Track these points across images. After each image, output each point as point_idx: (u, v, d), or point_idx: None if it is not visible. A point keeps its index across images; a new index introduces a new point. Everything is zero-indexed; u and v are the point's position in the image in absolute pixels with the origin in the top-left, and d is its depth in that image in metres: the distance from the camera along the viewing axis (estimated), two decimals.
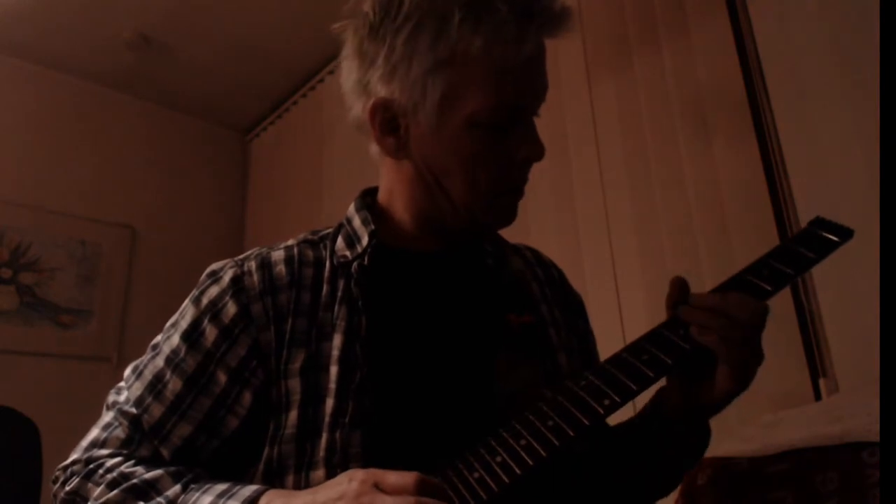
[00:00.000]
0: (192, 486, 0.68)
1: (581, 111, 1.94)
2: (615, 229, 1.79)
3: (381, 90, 0.76)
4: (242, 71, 2.97)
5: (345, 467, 0.65)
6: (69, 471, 0.73)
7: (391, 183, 0.84)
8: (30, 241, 2.69)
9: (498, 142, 0.75)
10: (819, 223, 0.74)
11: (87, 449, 0.74)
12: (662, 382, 0.72)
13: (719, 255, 1.57)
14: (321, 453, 0.68)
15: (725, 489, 1.11)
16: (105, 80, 2.99)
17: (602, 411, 0.63)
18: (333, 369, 0.71)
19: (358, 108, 0.80)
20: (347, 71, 0.81)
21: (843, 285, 1.33)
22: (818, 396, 1.35)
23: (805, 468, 1.03)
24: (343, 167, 2.64)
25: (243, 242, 3.20)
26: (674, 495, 1.04)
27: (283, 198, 3.06)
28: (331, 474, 0.65)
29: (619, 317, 1.71)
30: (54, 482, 0.75)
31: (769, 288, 0.69)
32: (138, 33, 2.70)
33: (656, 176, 1.74)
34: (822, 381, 1.35)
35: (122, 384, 0.80)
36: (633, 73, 1.84)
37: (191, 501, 0.65)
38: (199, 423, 0.73)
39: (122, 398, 0.77)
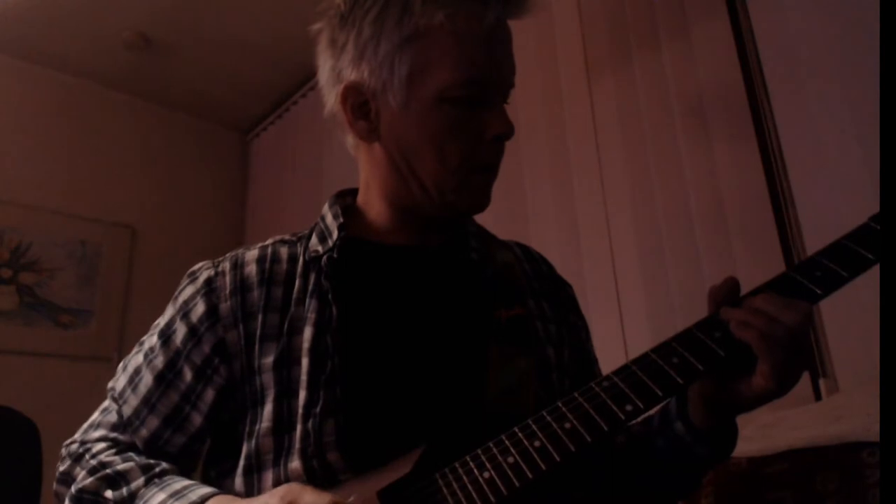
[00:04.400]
0: (155, 480, 0.71)
1: (581, 111, 1.94)
2: (615, 229, 1.79)
3: (351, 74, 0.77)
4: (242, 71, 2.97)
5: (320, 458, 0.67)
6: (67, 450, 0.79)
7: (367, 174, 0.84)
8: (30, 241, 2.69)
9: (467, 119, 0.75)
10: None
11: (86, 430, 0.80)
12: None
13: (719, 255, 1.57)
14: (297, 444, 0.68)
15: (725, 489, 1.10)
16: (105, 80, 2.99)
17: (623, 417, 0.60)
18: (304, 361, 0.71)
19: (332, 99, 0.81)
20: (322, 63, 0.82)
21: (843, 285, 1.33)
22: (818, 396, 1.35)
23: (805, 468, 1.03)
24: (343, 167, 2.64)
25: (243, 243, 3.19)
26: None
27: (283, 198, 3.06)
28: (307, 465, 0.67)
29: (619, 317, 1.71)
30: (58, 459, 0.80)
31: (820, 291, 0.64)
32: (138, 33, 2.70)
33: (656, 176, 1.74)
34: (822, 381, 1.35)
35: None
36: (633, 73, 1.84)
37: (147, 496, 0.69)
38: (166, 417, 0.76)
39: (115, 385, 0.82)
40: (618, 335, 1.69)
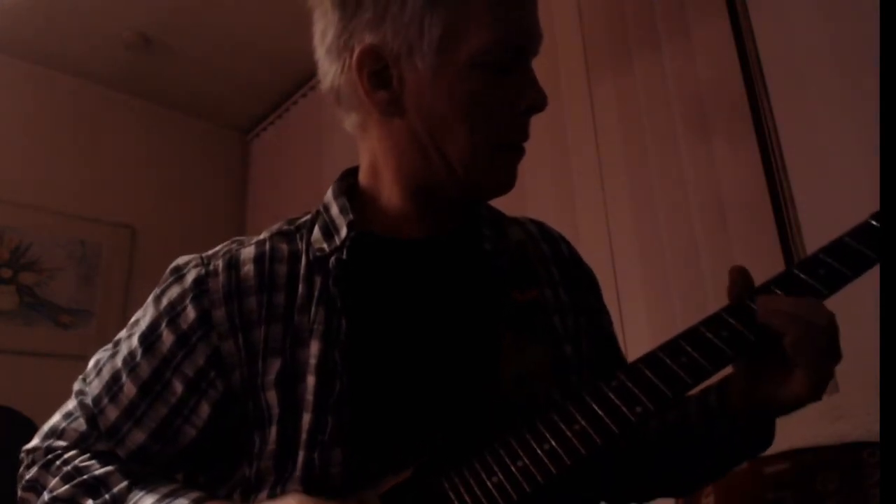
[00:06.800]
0: (140, 483, 0.66)
1: (581, 111, 1.94)
2: (615, 230, 1.79)
3: (368, 37, 0.68)
4: (242, 71, 2.97)
5: (324, 484, 0.63)
6: (31, 457, 0.73)
7: (377, 154, 0.75)
8: (30, 241, 2.69)
9: (499, 86, 0.68)
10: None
11: (48, 436, 0.73)
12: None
13: (719, 255, 1.57)
14: (298, 472, 0.63)
15: (725, 489, 1.10)
16: (105, 80, 2.99)
17: (633, 419, 0.58)
18: (311, 379, 0.65)
19: (336, 70, 0.71)
20: (323, 29, 0.72)
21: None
22: None
23: (805, 468, 1.03)
24: (343, 167, 2.63)
25: None
26: None
27: (283, 198, 3.06)
28: (308, 489, 0.63)
29: (619, 317, 1.71)
30: (19, 464, 0.74)
31: (826, 291, 0.62)
32: (138, 33, 2.70)
33: (656, 176, 1.74)
34: None
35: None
36: (633, 73, 1.84)
37: (134, 500, 0.65)
38: (154, 432, 0.69)
39: (86, 388, 0.75)
40: (618, 334, 1.69)
